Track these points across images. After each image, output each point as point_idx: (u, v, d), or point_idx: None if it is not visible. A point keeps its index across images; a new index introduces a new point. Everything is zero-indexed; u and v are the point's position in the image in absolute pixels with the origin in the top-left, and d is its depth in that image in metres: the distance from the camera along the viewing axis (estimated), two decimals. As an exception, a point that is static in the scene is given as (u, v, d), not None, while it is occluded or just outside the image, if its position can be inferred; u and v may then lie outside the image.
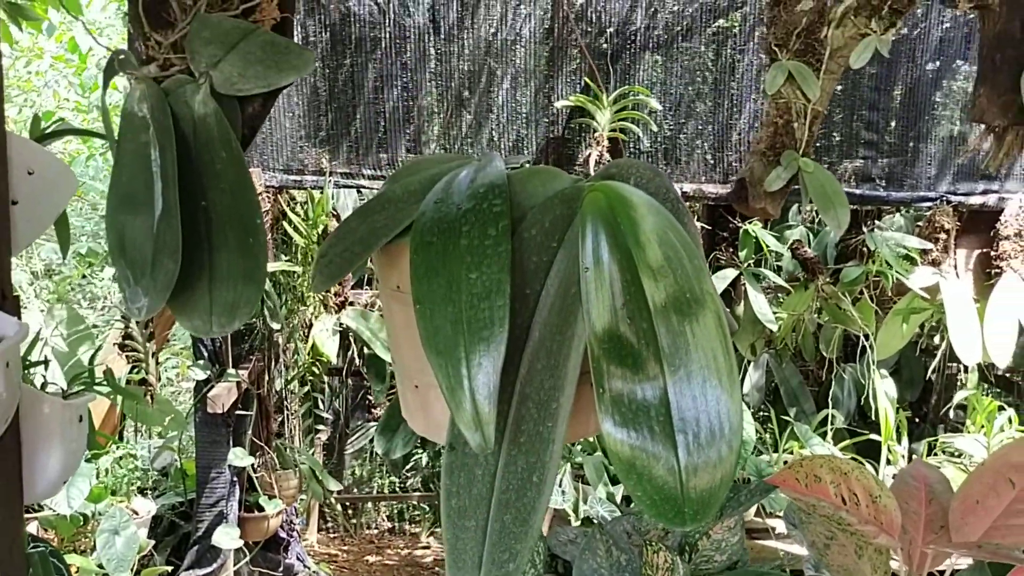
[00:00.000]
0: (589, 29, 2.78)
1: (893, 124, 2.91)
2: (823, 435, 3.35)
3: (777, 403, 3.69)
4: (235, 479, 3.07)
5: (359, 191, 2.96)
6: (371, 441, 4.23)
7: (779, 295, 3.45)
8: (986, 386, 3.91)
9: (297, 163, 2.81)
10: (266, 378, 3.28)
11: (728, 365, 0.85)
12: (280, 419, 3.51)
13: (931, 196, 2.95)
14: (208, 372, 2.88)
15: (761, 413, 3.72)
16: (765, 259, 3.25)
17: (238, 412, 3.06)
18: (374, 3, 2.71)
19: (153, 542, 3.06)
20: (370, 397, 4.09)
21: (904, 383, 3.75)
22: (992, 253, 2.95)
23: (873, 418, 3.31)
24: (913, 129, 2.91)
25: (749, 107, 2.84)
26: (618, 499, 2.90)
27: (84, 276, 5.01)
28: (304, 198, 3.08)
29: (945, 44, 2.86)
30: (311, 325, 3.19)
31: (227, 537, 2.91)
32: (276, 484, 3.23)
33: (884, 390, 3.26)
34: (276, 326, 3.11)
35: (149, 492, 3.38)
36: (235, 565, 3.15)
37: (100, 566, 2.61)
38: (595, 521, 2.67)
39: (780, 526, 2.98)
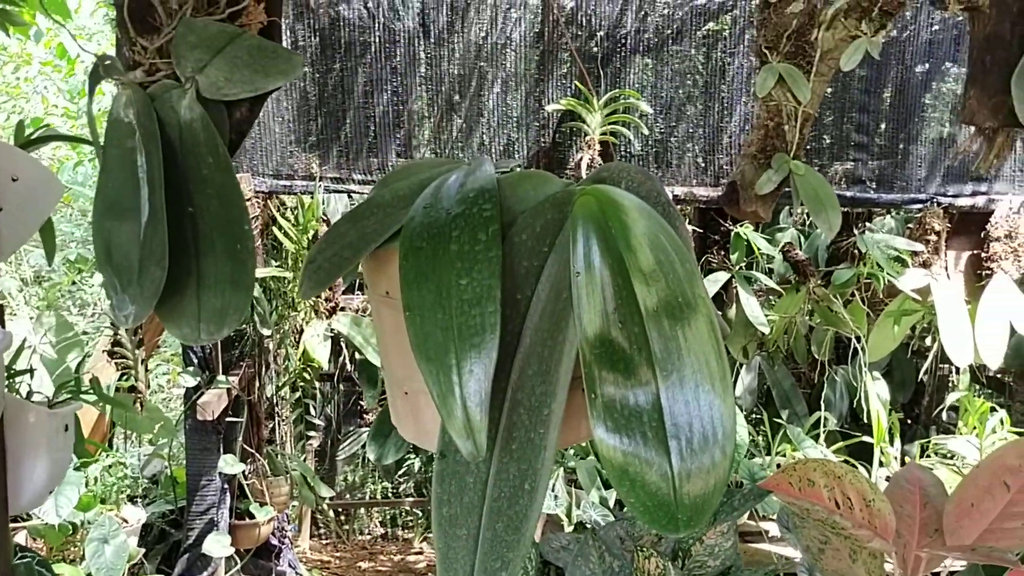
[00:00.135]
0: (579, 33, 2.77)
1: (883, 126, 2.92)
2: (816, 437, 3.35)
3: (769, 406, 3.69)
4: (226, 486, 3.05)
5: (350, 196, 2.95)
6: (363, 447, 4.20)
7: (771, 298, 3.45)
8: (978, 387, 3.92)
9: (287, 168, 2.80)
10: (257, 384, 3.26)
11: (721, 369, 0.84)
12: (271, 425, 3.49)
13: (921, 198, 2.96)
14: (198, 379, 2.87)
15: (754, 416, 3.72)
16: (757, 262, 3.25)
17: (228, 419, 3.04)
18: (364, 7, 2.71)
19: (143, 550, 3.04)
20: (362, 402, 4.08)
21: (896, 385, 3.76)
22: (983, 255, 2.96)
23: (865, 420, 3.31)
24: (903, 131, 2.91)
25: (740, 110, 2.84)
26: (611, 504, 2.89)
27: (74, 282, 4.98)
28: (294, 203, 3.07)
29: (934, 46, 2.87)
30: (302, 331, 3.18)
31: (218, 545, 2.89)
32: (267, 491, 3.21)
33: (876, 392, 3.26)
34: (266, 332, 3.10)
35: (139, 500, 3.36)
36: (226, 573, 3.13)
37: (90, 575, 2.59)
38: (588, 526, 2.66)
39: (774, 529, 2.98)
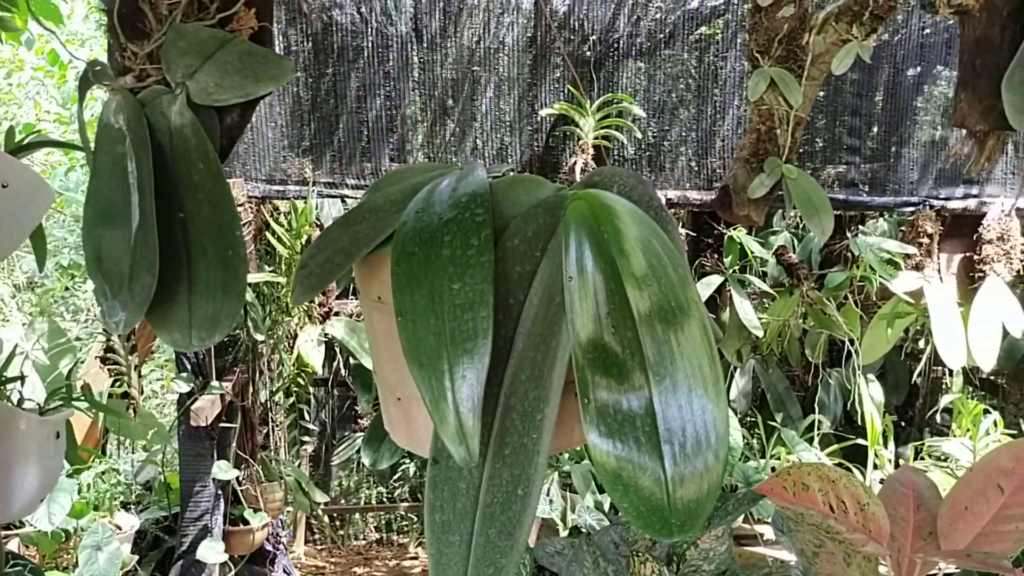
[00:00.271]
0: (572, 37, 2.78)
1: (875, 129, 2.93)
2: (810, 440, 3.35)
3: (764, 409, 3.70)
4: (220, 492, 3.04)
5: (343, 201, 2.95)
6: (358, 452, 4.20)
7: (764, 301, 3.46)
8: (971, 389, 3.93)
9: (280, 173, 2.79)
10: (250, 390, 3.25)
11: (714, 374, 0.84)
12: (265, 431, 3.48)
13: (913, 201, 2.97)
14: (191, 384, 2.85)
15: (748, 419, 3.72)
16: (750, 265, 3.25)
17: (222, 424, 3.03)
18: (356, 12, 2.70)
19: (137, 557, 3.02)
20: (356, 407, 4.07)
21: (889, 387, 3.76)
22: (975, 257, 2.97)
23: (859, 423, 3.32)
24: (895, 134, 2.92)
25: (732, 113, 2.84)
26: (606, 507, 2.89)
27: (67, 288, 4.97)
28: (287, 208, 3.06)
29: (925, 49, 2.88)
30: (296, 336, 3.17)
31: (212, 551, 2.88)
32: (261, 497, 3.20)
33: (870, 394, 3.27)
34: (260, 337, 3.09)
35: (132, 507, 3.34)
36: (220, 579, 3.12)
37: (82, 583, 2.58)
38: (583, 531, 2.66)
39: (768, 532, 2.97)
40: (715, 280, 3.15)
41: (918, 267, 2.97)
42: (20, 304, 4.73)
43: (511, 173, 2.80)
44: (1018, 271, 2.96)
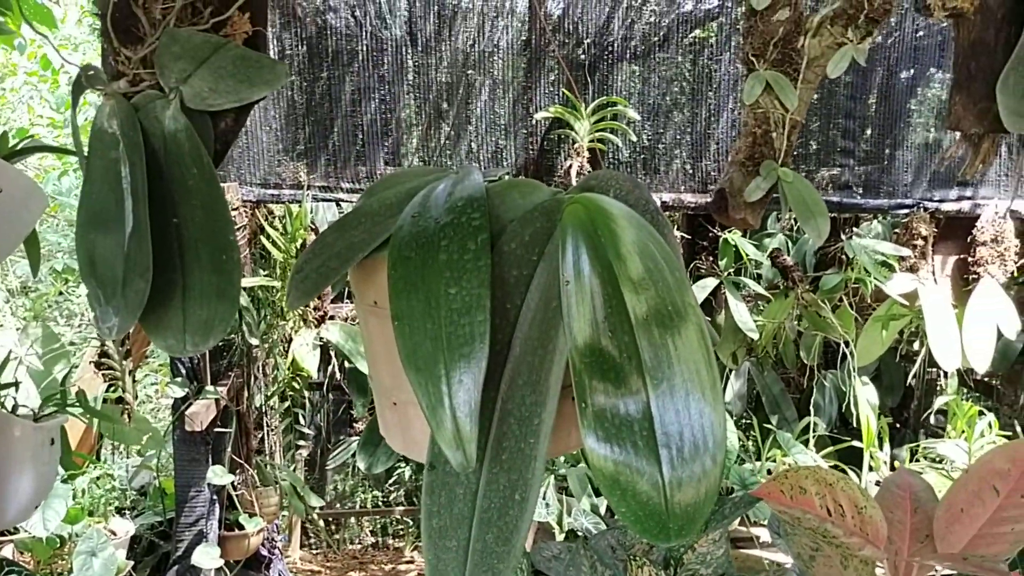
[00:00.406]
0: (566, 40, 2.78)
1: (869, 132, 2.93)
2: (805, 442, 3.35)
3: (759, 411, 3.70)
4: (215, 497, 3.03)
5: (338, 205, 2.94)
6: (353, 456, 4.19)
7: (759, 303, 3.46)
8: (966, 391, 3.94)
9: (275, 177, 2.79)
10: (245, 394, 3.24)
11: (711, 378, 0.84)
12: (260, 436, 3.47)
13: (907, 203, 2.97)
14: (186, 389, 2.85)
15: (743, 421, 3.72)
16: (745, 268, 3.26)
17: (217, 429, 3.02)
18: (351, 16, 2.70)
19: (132, 563, 3.01)
20: (352, 411, 4.06)
21: (885, 389, 3.77)
22: (969, 259, 2.97)
23: (855, 424, 3.32)
24: (889, 136, 2.93)
25: (727, 116, 2.85)
26: (602, 511, 2.89)
27: (61, 293, 4.95)
28: (282, 212, 3.05)
29: (920, 52, 2.88)
30: (291, 340, 3.16)
31: (207, 556, 2.87)
32: (257, 501, 3.19)
33: (865, 397, 3.27)
34: (255, 342, 3.08)
35: (127, 512, 3.33)
36: (216, 585, 3.10)
37: (77, 589, 2.57)
38: (580, 535, 2.65)
39: (765, 535, 2.97)
40: (710, 283, 3.15)
41: (912, 269, 2.98)
42: (14, 309, 4.71)
43: (507, 177, 2.80)
44: (1012, 273, 2.96)
